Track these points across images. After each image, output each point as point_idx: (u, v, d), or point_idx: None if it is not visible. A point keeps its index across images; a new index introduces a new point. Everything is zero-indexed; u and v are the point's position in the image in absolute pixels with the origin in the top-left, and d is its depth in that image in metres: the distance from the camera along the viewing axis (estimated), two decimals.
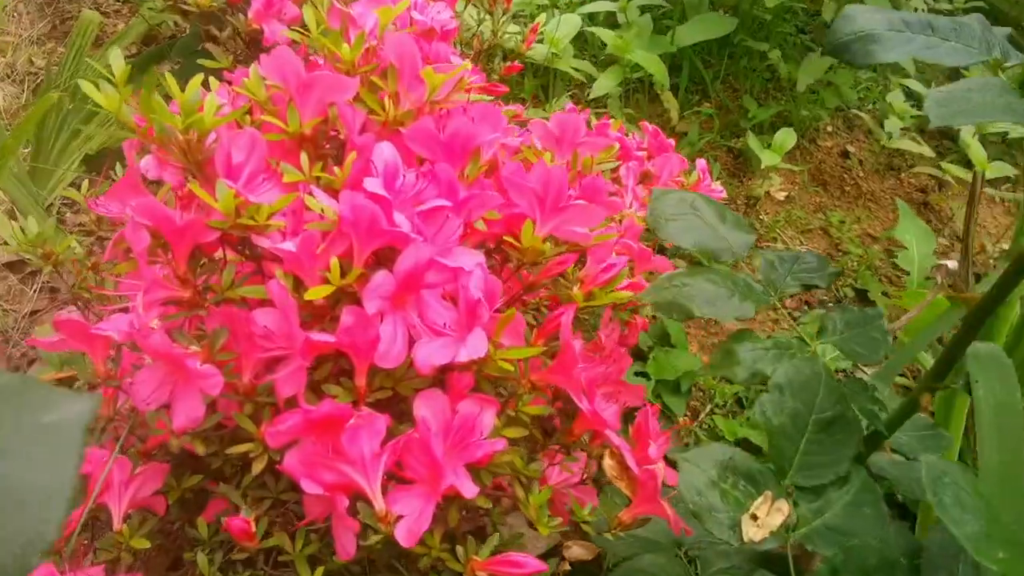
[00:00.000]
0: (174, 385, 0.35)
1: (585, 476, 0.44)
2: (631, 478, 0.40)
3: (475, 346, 0.34)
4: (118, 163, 0.54)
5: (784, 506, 0.34)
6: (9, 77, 1.39)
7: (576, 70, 0.95)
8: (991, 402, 0.31)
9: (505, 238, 0.39)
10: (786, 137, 0.99)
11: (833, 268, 0.44)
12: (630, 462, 0.40)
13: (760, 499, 0.34)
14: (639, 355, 0.88)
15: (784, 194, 1.10)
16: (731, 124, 1.16)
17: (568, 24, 0.93)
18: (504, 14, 0.73)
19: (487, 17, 0.77)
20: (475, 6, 0.72)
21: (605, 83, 0.93)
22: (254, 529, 0.35)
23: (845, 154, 1.20)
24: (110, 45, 1.13)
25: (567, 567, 0.68)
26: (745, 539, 0.33)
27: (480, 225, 0.41)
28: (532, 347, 0.38)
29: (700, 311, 0.39)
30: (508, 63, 0.72)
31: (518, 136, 0.58)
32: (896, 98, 1.18)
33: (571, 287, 0.43)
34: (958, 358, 0.36)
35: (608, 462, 0.41)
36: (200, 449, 0.36)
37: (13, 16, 1.48)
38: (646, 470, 0.39)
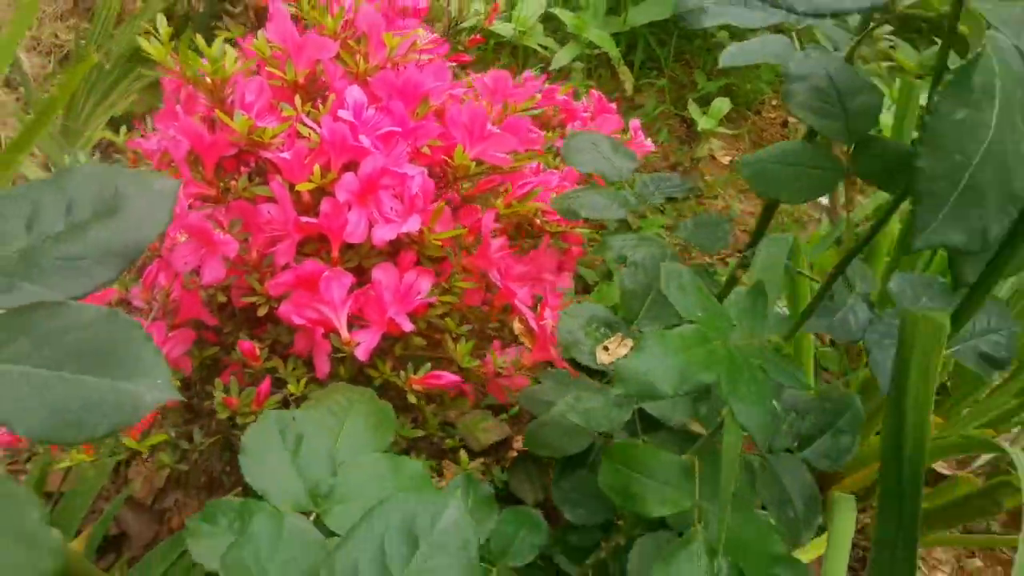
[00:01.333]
0: (203, 253, 0.50)
1: (504, 339, 0.59)
2: (532, 334, 0.55)
3: (411, 224, 0.49)
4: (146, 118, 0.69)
5: (629, 342, 0.49)
6: (35, 49, 1.53)
7: (543, 47, 1.09)
8: (764, 264, 0.45)
9: (442, 157, 0.54)
10: (721, 105, 1.13)
11: (690, 185, 0.58)
12: (532, 323, 0.55)
13: (613, 337, 0.49)
14: (588, 289, 1.03)
15: (728, 158, 1.24)
16: (683, 96, 1.31)
17: (533, 5, 1.08)
18: None
19: None
20: None
21: (563, 56, 1.08)
22: (258, 352, 0.50)
23: (785, 123, 1.34)
24: (133, 19, 1.26)
25: (513, 454, 0.84)
26: (598, 362, 0.48)
27: (426, 151, 0.56)
28: (456, 229, 0.53)
29: (586, 214, 0.54)
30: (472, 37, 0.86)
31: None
32: None
33: (495, 199, 0.58)
34: (760, 239, 0.51)
35: (517, 325, 0.56)
36: (221, 298, 0.51)
37: None
38: (542, 326, 0.54)
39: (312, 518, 0.36)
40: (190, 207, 0.51)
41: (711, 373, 0.32)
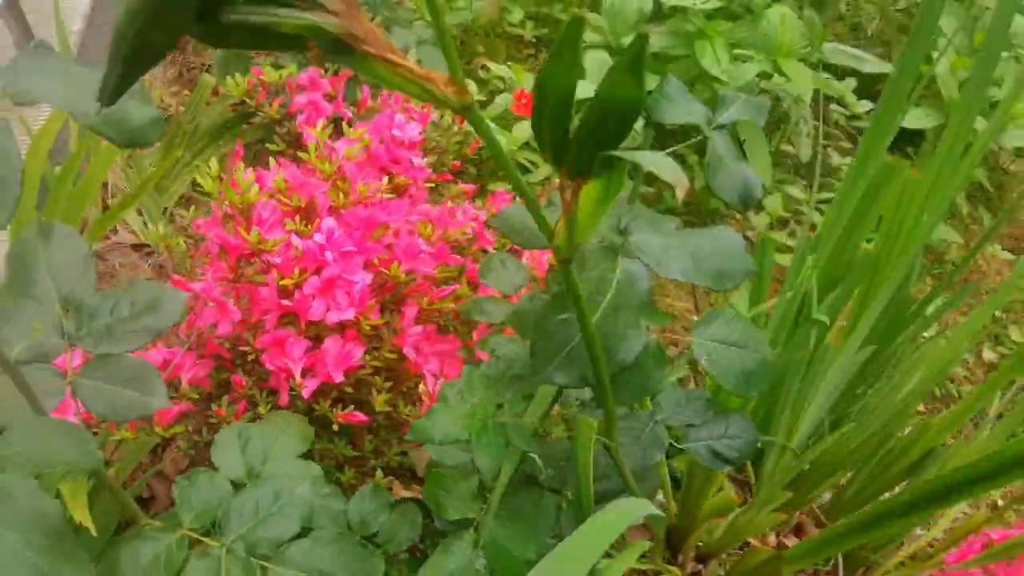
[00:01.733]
0: (219, 315, 0.78)
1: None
2: (429, 395, 0.80)
3: (349, 314, 0.75)
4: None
5: None
6: None
7: (530, 161, 1.36)
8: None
9: (382, 270, 0.81)
10: None
11: None
12: (430, 387, 0.80)
13: None
14: None
15: None
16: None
17: (526, 128, 1.35)
18: (458, 129, 1.15)
19: (453, 127, 1.19)
20: (441, 122, 1.15)
21: (542, 171, 1.34)
22: (244, 383, 0.77)
23: None
24: (222, 99, 1.59)
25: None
26: None
27: (376, 262, 0.82)
28: (381, 319, 0.79)
29: (479, 318, 0.79)
30: (455, 160, 1.14)
31: (474, 212, 0.99)
32: None
33: (422, 299, 0.84)
34: None
35: (422, 387, 0.81)
36: (227, 346, 0.79)
37: None
38: (434, 390, 0.79)
39: (245, 486, 0.62)
40: (216, 282, 0.79)
41: (465, 432, 0.57)
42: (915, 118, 1.51)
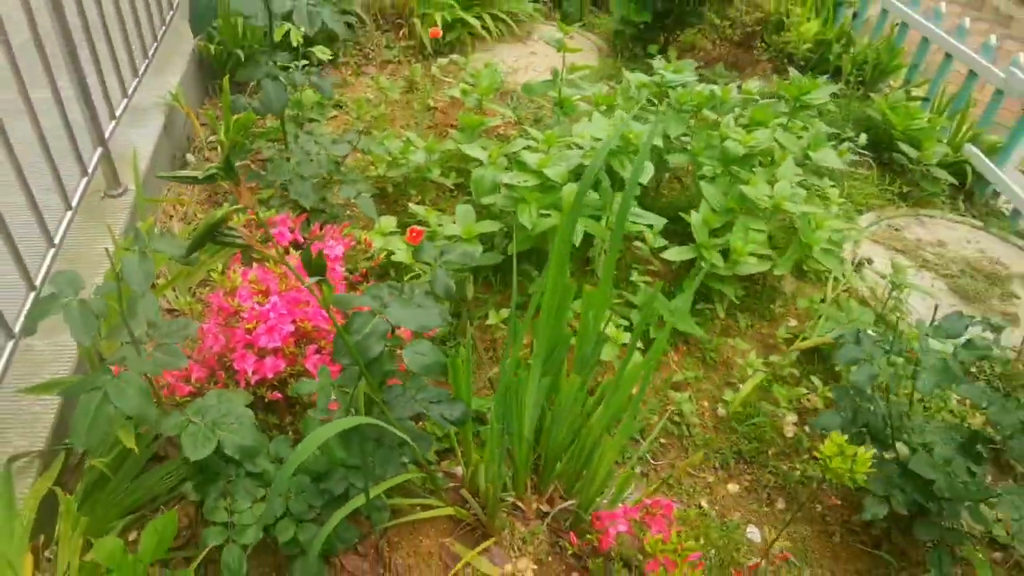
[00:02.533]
0: (214, 342, 1.53)
1: None
2: None
3: (278, 343, 1.50)
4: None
5: None
6: (183, 219, 2.70)
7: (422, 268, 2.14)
8: None
9: (299, 324, 1.57)
10: None
11: None
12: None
13: None
14: None
15: None
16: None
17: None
18: (367, 250, 1.93)
19: (368, 251, 1.97)
20: (358, 247, 1.93)
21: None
22: (223, 377, 1.51)
23: None
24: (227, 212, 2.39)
25: None
26: None
27: (297, 320, 1.58)
28: (296, 349, 1.53)
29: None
30: (368, 265, 1.91)
31: None
32: None
33: (320, 340, 1.60)
34: None
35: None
36: (216, 359, 1.54)
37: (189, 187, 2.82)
38: None
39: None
40: (215, 325, 1.55)
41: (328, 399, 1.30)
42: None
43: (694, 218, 2.13)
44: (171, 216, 2.48)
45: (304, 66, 2.91)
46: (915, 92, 3.47)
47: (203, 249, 2.05)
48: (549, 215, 1.98)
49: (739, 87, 2.59)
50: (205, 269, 2.19)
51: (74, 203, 1.93)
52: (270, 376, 1.50)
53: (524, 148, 2.15)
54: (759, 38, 3.89)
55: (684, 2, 3.55)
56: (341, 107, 3.12)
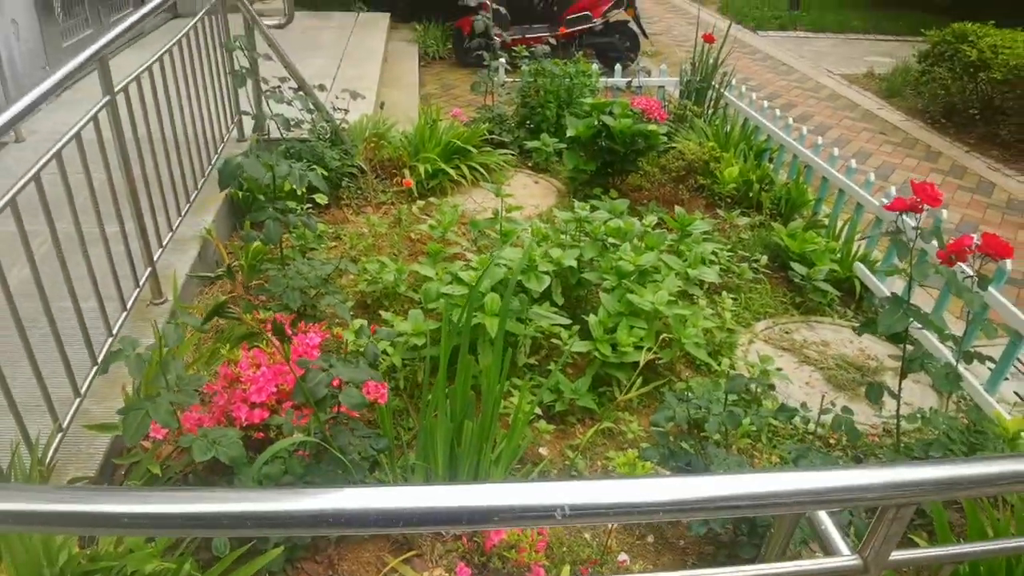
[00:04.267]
0: (222, 398, 2.17)
1: None
2: None
3: (264, 398, 2.14)
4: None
5: None
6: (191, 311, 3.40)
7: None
8: None
9: (281, 386, 2.21)
10: None
11: None
12: None
13: None
14: None
15: None
16: None
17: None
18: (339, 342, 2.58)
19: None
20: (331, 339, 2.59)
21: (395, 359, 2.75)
22: (224, 420, 2.14)
23: None
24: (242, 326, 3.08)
25: None
26: None
27: (279, 385, 2.22)
28: (278, 403, 2.16)
29: None
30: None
31: None
32: None
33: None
34: None
35: None
36: (222, 410, 2.18)
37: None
38: None
39: None
40: (220, 386, 2.20)
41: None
42: None
43: (592, 319, 2.77)
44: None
45: (308, 208, 3.71)
46: (823, 220, 4.18)
47: (220, 339, 2.72)
48: (475, 316, 2.65)
49: (640, 219, 3.30)
50: (222, 353, 2.86)
51: (128, 305, 2.64)
52: (257, 421, 2.12)
53: (462, 268, 2.85)
54: (693, 178, 4.67)
55: (623, 155, 4.37)
56: (340, 239, 3.89)
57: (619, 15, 7.39)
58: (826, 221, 4.21)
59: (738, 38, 9.40)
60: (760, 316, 3.53)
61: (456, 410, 2.19)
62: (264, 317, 2.59)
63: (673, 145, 4.76)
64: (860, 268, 3.72)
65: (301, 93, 4.26)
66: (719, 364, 2.88)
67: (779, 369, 3.11)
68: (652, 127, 4.38)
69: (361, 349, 2.70)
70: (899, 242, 2.14)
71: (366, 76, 6.11)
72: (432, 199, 4.30)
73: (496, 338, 2.23)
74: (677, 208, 3.68)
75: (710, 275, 3.02)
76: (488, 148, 4.86)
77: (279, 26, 4.32)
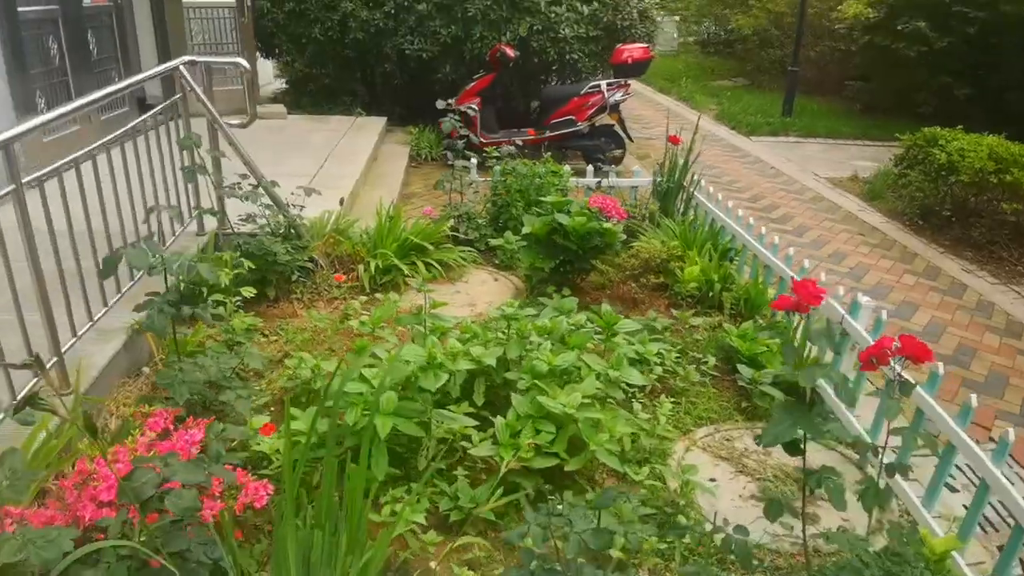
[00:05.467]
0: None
1: None
2: None
3: (111, 499, 2.01)
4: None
5: None
6: (119, 418, 3.31)
7: None
8: None
9: None
10: None
11: None
12: None
13: None
14: None
15: None
16: None
17: None
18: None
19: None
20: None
21: None
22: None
23: None
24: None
25: None
26: None
27: None
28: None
29: None
30: None
31: None
32: None
33: None
34: None
35: None
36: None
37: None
38: None
39: None
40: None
41: None
42: None
43: (498, 422, 2.63)
44: (112, 413, 3.10)
45: (238, 301, 3.66)
46: (782, 321, 4.04)
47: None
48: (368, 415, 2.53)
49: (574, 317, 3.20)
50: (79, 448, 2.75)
51: (19, 398, 2.56)
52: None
53: (366, 365, 2.75)
54: (654, 276, 4.59)
55: (578, 253, 4.32)
56: (279, 333, 3.83)
57: (604, 119, 7.56)
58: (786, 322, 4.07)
59: (731, 143, 9.55)
60: (702, 421, 3.35)
61: (321, 518, 2.04)
62: (148, 411, 2.50)
63: (632, 244, 4.71)
64: (809, 373, 3.54)
65: (260, 190, 4.33)
66: (638, 473, 2.69)
67: (712, 480, 2.92)
68: (608, 225, 4.34)
69: (261, 447, 2.59)
70: (788, 344, 2.01)
71: (346, 175, 6.24)
72: (379, 295, 4.25)
73: (375, 441, 2.11)
74: (604, 306, 3.58)
75: (635, 377, 2.88)
76: (449, 245, 4.86)
77: (242, 125, 4.44)
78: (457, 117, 5.32)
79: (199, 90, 4.19)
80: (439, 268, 4.61)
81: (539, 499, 2.65)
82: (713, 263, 4.56)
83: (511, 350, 2.99)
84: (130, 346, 3.38)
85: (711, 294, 4.41)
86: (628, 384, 2.95)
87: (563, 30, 7.84)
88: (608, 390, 2.84)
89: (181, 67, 4.13)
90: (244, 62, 4.34)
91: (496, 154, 5.65)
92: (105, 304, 3.27)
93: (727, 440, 3.22)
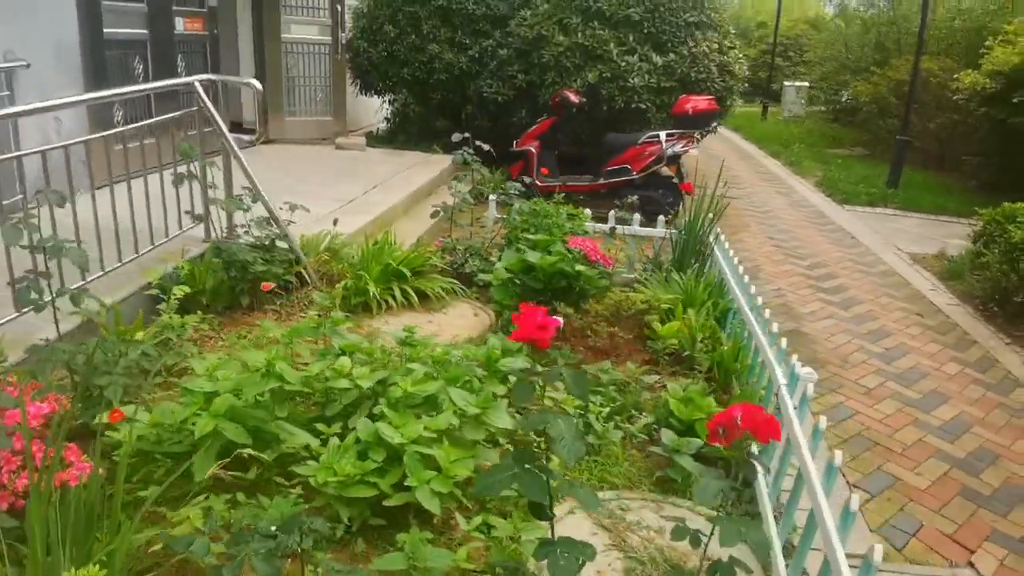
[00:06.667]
0: None
1: None
2: None
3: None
4: None
5: None
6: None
7: None
8: None
9: None
10: None
11: None
12: None
13: None
14: None
15: None
16: None
17: None
18: None
19: None
20: None
21: None
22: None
23: None
24: None
25: None
26: None
27: None
28: None
29: None
30: None
31: None
32: None
33: None
34: None
35: None
36: None
37: None
38: None
39: None
40: None
41: None
42: None
43: (331, 443, 2.51)
44: None
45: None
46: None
47: None
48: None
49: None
50: None
51: None
52: None
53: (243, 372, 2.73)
54: (628, 327, 4.29)
55: (543, 294, 4.13)
56: (226, 337, 3.91)
57: (662, 170, 7.29)
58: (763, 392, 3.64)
59: (819, 209, 8.92)
60: (603, 485, 3.03)
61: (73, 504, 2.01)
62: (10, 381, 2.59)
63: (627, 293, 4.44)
64: (753, 452, 3.12)
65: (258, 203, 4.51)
66: (469, 522, 2.46)
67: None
68: (580, 267, 4.13)
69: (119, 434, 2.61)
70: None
71: (382, 203, 6.38)
72: (344, 314, 4.26)
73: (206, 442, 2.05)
74: (492, 340, 3.35)
75: (504, 421, 2.66)
76: (436, 276, 4.80)
77: (251, 143, 4.66)
78: (471, 152, 5.32)
79: (211, 106, 4.45)
80: (415, 296, 4.55)
81: (362, 532, 2.48)
82: (700, 321, 4.20)
83: (393, 375, 2.87)
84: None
85: (692, 354, 4.05)
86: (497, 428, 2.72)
87: (632, 79, 7.69)
88: (466, 430, 2.63)
89: (196, 84, 4.43)
90: (256, 83, 4.58)
91: (514, 191, 5.58)
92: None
93: (622, 509, 2.88)
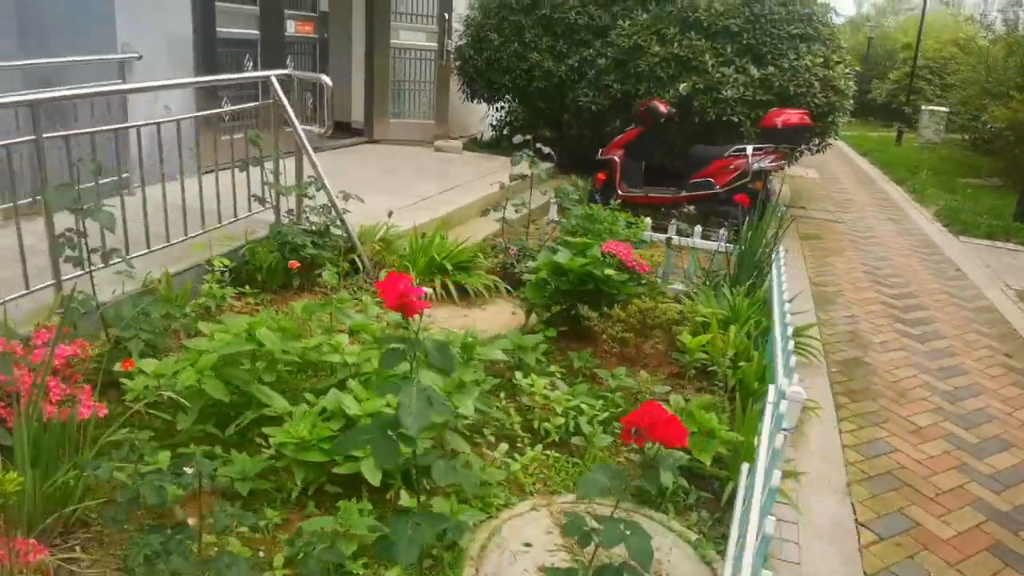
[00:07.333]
0: None
1: None
2: None
3: None
4: None
5: None
6: None
7: None
8: None
9: None
10: None
11: None
12: None
13: None
14: None
15: None
16: None
17: None
18: None
19: None
20: None
21: None
22: None
23: None
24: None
25: None
26: None
27: None
28: None
29: None
30: None
31: None
32: None
33: None
34: None
35: None
36: None
37: None
38: None
39: None
40: None
41: None
42: None
43: (298, 409, 2.65)
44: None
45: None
46: None
47: None
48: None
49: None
50: None
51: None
52: None
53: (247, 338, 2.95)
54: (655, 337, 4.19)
55: (570, 296, 4.13)
56: (262, 310, 4.19)
57: (748, 186, 7.02)
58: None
59: (930, 239, 8.27)
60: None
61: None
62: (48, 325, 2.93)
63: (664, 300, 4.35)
64: (744, 469, 2.99)
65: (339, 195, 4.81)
66: (411, 500, 2.52)
67: (527, 544, 2.62)
68: (609, 272, 4.08)
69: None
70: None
71: (453, 203, 6.57)
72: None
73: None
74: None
75: (466, 407, 2.70)
76: (480, 272, 4.90)
77: (321, 135, 4.96)
78: (530, 152, 5.37)
79: (284, 99, 4.79)
80: (454, 291, 4.67)
81: (316, 496, 2.61)
82: (734, 337, 4.04)
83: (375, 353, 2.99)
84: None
85: (716, 370, 3.91)
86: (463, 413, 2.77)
87: (726, 91, 7.47)
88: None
89: (272, 78, 4.78)
90: (326, 79, 4.88)
91: (575, 196, 5.59)
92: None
93: (588, 513, 2.83)
